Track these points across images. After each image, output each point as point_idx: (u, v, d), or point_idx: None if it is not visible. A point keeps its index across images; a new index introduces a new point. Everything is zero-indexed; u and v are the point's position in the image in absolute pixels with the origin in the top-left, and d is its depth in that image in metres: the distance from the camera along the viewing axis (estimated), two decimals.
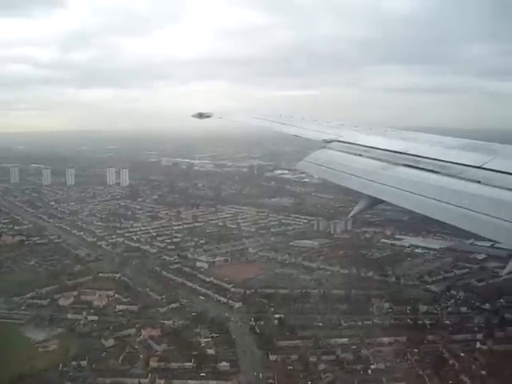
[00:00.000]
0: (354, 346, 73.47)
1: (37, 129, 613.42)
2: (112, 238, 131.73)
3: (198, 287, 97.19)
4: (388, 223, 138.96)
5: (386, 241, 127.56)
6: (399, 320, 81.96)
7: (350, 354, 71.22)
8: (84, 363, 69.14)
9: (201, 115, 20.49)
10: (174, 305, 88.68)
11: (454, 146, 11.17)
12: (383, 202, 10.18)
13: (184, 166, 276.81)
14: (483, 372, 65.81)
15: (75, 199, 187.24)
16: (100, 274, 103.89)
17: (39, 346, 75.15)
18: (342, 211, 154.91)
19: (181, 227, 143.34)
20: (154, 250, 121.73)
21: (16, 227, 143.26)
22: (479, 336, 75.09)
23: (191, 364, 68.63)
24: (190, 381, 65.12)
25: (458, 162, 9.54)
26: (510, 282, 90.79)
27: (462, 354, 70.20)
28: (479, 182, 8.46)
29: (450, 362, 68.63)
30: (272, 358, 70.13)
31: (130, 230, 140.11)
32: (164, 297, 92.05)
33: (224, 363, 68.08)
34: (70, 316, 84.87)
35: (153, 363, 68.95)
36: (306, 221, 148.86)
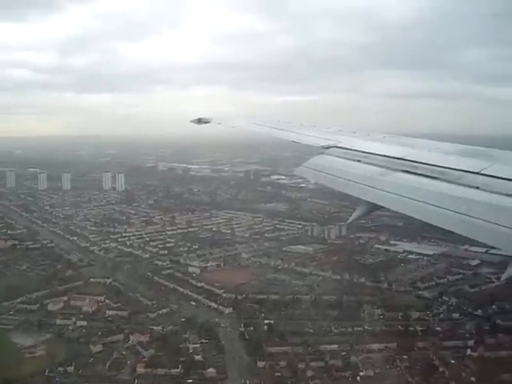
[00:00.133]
0: (344, 353, 72.88)
1: (36, 133, 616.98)
2: (105, 243, 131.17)
3: (189, 293, 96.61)
4: (383, 229, 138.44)
5: (380, 246, 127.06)
6: (390, 326, 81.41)
7: (339, 361, 70.69)
8: (70, 369, 68.62)
9: (199, 121, 20.38)
10: (164, 310, 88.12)
11: (453, 152, 11.19)
12: (382, 207, 10.16)
13: (181, 171, 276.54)
14: (473, 379, 65.33)
15: (70, 204, 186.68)
16: (91, 280, 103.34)
17: (26, 352, 74.45)
18: (337, 217, 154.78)
19: (174, 232, 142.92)
20: (147, 255, 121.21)
21: (9, 231, 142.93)
22: (470, 343, 74.52)
23: (178, 370, 67.93)
24: None
25: (457, 167, 9.54)
26: (503, 288, 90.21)
27: (452, 361, 69.60)
28: (478, 187, 8.42)
29: (440, 368, 67.98)
30: (260, 364, 69.48)
31: (124, 235, 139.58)
32: (154, 302, 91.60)
33: (211, 369, 67.38)
34: (58, 321, 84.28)
35: (139, 369, 68.33)
36: (300, 226, 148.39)
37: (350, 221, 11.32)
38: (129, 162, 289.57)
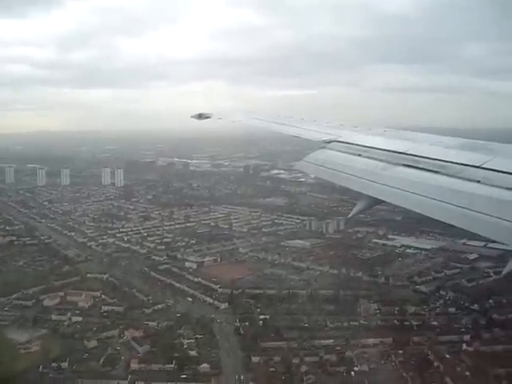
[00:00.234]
0: (339, 348, 72.66)
1: (35, 129, 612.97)
2: (103, 239, 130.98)
3: (185, 288, 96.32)
4: (381, 223, 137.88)
5: (377, 241, 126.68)
6: (385, 321, 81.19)
7: (334, 356, 70.46)
8: (64, 365, 68.50)
9: (200, 116, 20.40)
10: (159, 306, 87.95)
11: (453, 146, 11.27)
12: (383, 202, 10.23)
13: (180, 166, 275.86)
14: (467, 373, 65.09)
15: (69, 199, 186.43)
16: (88, 275, 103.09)
17: (21, 348, 74.43)
18: (335, 211, 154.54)
19: (172, 227, 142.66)
20: (144, 251, 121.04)
21: (7, 227, 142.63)
22: (466, 337, 74.19)
23: (172, 366, 67.80)
24: (169, 383, 64.31)
25: (458, 161, 9.61)
26: (500, 282, 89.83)
27: (447, 356, 69.30)
28: (479, 181, 8.49)
29: (435, 363, 67.70)
30: (254, 359, 69.28)
31: (122, 230, 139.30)
32: (150, 298, 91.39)
33: (205, 365, 67.21)
34: (54, 317, 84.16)
35: (133, 365, 68.21)
36: (298, 221, 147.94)
37: (351, 215, 11.39)
38: (128, 157, 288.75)
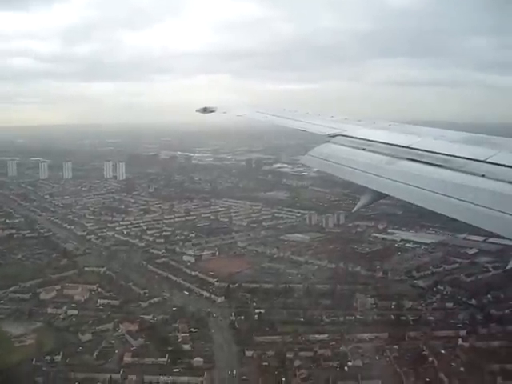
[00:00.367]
0: (334, 342, 72.22)
1: (38, 122, 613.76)
2: (102, 232, 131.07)
3: (182, 281, 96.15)
4: (381, 217, 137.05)
5: (377, 235, 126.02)
6: (382, 316, 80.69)
7: (329, 350, 70.04)
8: (58, 358, 68.48)
9: (205, 110, 20.19)
10: (155, 299, 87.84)
11: (457, 140, 11.24)
12: (387, 196, 10.20)
13: (183, 159, 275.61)
14: (462, 369, 64.57)
15: (70, 193, 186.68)
16: (86, 268, 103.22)
17: (16, 341, 74.48)
18: (337, 205, 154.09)
19: (172, 221, 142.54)
20: (143, 244, 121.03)
21: (7, 220, 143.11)
22: (462, 332, 73.56)
23: (165, 359, 67.65)
24: (161, 377, 64.16)
25: (462, 155, 9.57)
26: (498, 277, 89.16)
27: (442, 351, 68.73)
28: (483, 175, 8.42)
29: (429, 358, 67.16)
30: (248, 353, 69.01)
31: (121, 223, 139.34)
32: (147, 291, 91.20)
33: (198, 358, 66.98)
34: (50, 310, 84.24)
35: (127, 358, 68.11)
36: (299, 215, 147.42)
37: (355, 209, 11.35)
38: (131, 150, 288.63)
